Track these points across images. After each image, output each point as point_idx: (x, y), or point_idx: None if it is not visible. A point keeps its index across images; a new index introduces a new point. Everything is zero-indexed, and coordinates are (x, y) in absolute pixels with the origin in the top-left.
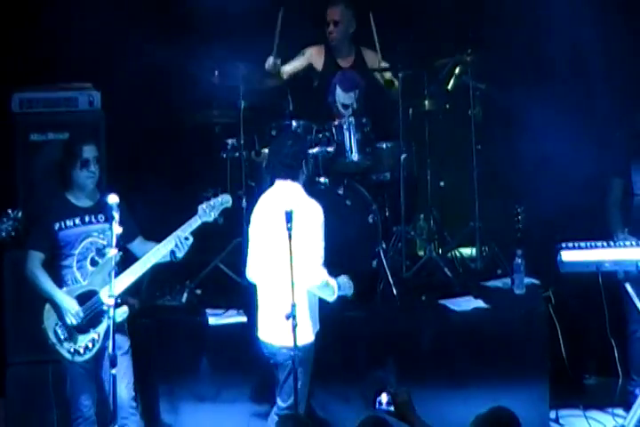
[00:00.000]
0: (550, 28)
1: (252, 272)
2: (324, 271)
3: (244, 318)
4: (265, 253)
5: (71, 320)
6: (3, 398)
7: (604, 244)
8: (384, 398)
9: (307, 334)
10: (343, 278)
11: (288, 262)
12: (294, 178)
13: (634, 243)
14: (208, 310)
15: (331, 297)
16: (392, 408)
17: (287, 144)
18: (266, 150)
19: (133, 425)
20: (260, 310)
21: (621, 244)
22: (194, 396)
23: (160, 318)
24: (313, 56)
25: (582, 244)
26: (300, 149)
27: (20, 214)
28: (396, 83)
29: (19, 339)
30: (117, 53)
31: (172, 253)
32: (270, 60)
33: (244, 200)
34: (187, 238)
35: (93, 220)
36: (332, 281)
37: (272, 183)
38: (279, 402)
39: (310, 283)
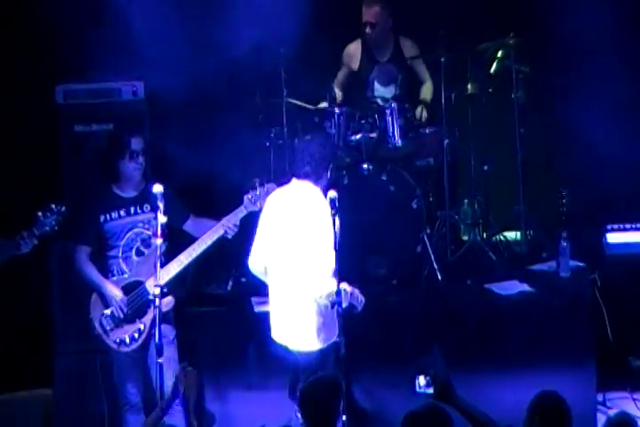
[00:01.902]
0: (594, 10)
1: (256, 263)
2: (333, 281)
3: None
4: (278, 250)
5: (116, 310)
6: (52, 387)
7: None
8: (422, 380)
9: (312, 342)
10: (355, 292)
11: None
12: (315, 181)
13: None
14: (253, 298)
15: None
16: (431, 390)
17: (319, 143)
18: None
19: (176, 413)
20: (272, 309)
21: None
22: (240, 384)
23: (206, 307)
24: (349, 58)
25: (628, 225)
26: (330, 153)
27: (63, 209)
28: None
29: (67, 329)
30: (160, 43)
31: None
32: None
33: None
34: (235, 225)
35: (139, 210)
36: (347, 287)
37: (289, 180)
38: None
39: (317, 292)
